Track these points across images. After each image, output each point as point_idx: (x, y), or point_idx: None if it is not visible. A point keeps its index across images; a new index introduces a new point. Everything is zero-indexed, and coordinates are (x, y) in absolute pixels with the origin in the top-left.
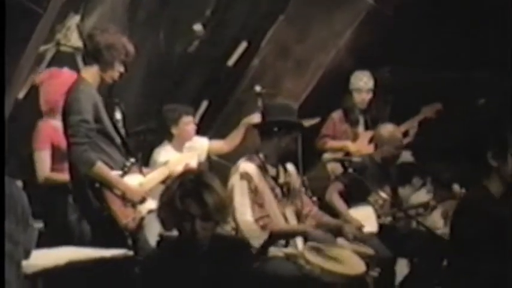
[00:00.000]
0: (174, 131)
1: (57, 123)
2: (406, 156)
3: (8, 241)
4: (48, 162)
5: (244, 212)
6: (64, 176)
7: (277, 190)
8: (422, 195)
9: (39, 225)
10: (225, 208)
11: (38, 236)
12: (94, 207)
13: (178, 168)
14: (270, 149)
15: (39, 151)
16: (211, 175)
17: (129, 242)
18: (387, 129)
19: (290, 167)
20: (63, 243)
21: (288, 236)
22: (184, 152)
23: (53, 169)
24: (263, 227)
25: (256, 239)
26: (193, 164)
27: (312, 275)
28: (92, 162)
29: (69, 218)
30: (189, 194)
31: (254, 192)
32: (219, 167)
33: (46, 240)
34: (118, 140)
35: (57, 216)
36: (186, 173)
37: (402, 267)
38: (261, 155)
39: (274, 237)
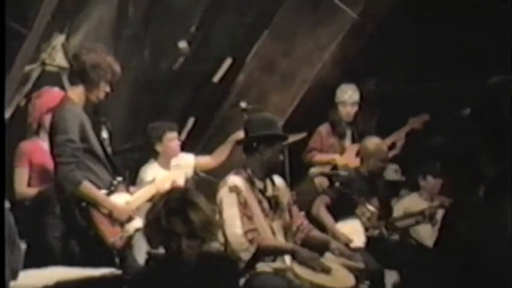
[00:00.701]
0: (158, 148)
1: (42, 142)
2: (391, 174)
3: None
4: (26, 179)
5: (233, 225)
6: (38, 190)
7: (265, 204)
8: (414, 200)
9: (23, 245)
10: (211, 226)
11: (25, 256)
12: (81, 226)
13: (165, 186)
14: (255, 164)
15: (18, 168)
16: (196, 193)
17: (117, 260)
18: (372, 142)
19: (278, 180)
20: (46, 262)
21: (275, 253)
22: (171, 169)
23: (33, 186)
24: (251, 241)
25: (245, 252)
26: (180, 181)
27: None
28: (78, 182)
29: (52, 237)
30: (174, 212)
31: (243, 204)
32: (206, 183)
33: (29, 260)
34: (105, 159)
35: (42, 236)
36: (172, 191)
37: (392, 279)
38: (248, 170)
39: (261, 253)
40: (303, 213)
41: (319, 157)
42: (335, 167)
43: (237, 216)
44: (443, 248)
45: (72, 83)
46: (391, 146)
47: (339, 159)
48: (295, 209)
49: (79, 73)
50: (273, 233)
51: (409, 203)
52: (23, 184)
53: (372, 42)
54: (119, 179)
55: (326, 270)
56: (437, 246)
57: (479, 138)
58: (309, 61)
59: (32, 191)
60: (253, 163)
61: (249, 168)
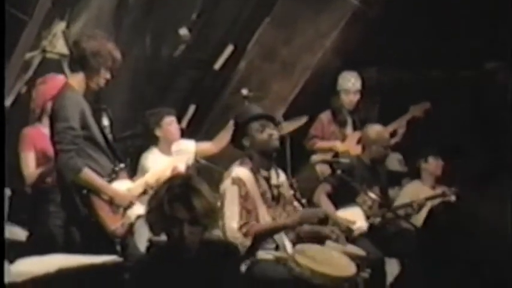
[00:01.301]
0: (158, 133)
1: (44, 128)
2: (395, 164)
3: None
4: (33, 162)
5: (231, 218)
6: (47, 167)
7: (269, 195)
8: (417, 187)
9: (24, 232)
10: (213, 212)
11: (24, 243)
12: (82, 214)
13: (166, 173)
14: (252, 152)
15: (24, 152)
16: (199, 179)
17: (118, 248)
18: (374, 129)
19: (282, 176)
20: (50, 250)
21: (271, 234)
22: (172, 156)
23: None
24: (246, 234)
25: (240, 245)
26: (181, 167)
27: (302, 278)
28: (78, 169)
29: (55, 225)
30: (177, 198)
31: (244, 197)
32: (207, 170)
33: (31, 247)
34: (105, 146)
35: (43, 223)
36: (175, 177)
37: (393, 268)
38: (253, 158)
39: (257, 240)
40: (303, 200)
41: (320, 144)
42: (336, 155)
43: (236, 210)
44: (443, 235)
45: (73, 70)
46: (392, 134)
47: (340, 146)
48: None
49: (79, 60)
50: None
51: (412, 190)
52: (31, 167)
53: (373, 29)
54: (121, 165)
55: (322, 242)
56: (435, 231)
57: (479, 125)
58: (310, 48)
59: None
60: (250, 151)
61: (253, 156)
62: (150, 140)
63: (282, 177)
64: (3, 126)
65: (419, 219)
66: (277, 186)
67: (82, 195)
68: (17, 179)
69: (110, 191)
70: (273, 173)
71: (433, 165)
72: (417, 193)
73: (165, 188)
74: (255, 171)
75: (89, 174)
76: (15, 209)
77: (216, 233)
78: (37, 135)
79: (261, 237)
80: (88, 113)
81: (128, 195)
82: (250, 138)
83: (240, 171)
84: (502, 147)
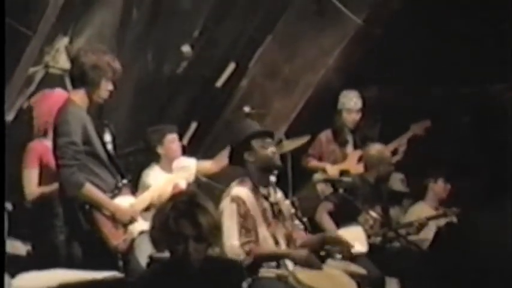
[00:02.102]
0: (159, 150)
1: (48, 142)
2: (397, 184)
3: None
4: (36, 180)
5: (230, 236)
6: (49, 188)
7: (269, 213)
8: (421, 208)
9: (27, 247)
10: (218, 230)
11: (27, 258)
12: (84, 229)
13: (168, 189)
14: (253, 170)
15: (27, 169)
16: (204, 196)
17: (120, 263)
18: (375, 148)
19: (278, 193)
20: (51, 265)
21: (271, 259)
22: (173, 172)
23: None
24: (248, 253)
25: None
26: (182, 185)
27: None
28: (81, 184)
29: (57, 240)
30: (182, 215)
31: (243, 216)
32: (207, 188)
33: (34, 262)
34: (108, 162)
35: (45, 238)
36: (180, 194)
37: (393, 287)
38: (252, 177)
39: (258, 261)
40: (304, 219)
41: (313, 163)
42: (340, 174)
43: (235, 228)
44: (444, 254)
45: (74, 86)
46: (393, 152)
47: (330, 169)
48: (295, 223)
49: (79, 75)
50: (276, 242)
51: (417, 211)
52: (33, 185)
53: (376, 48)
54: (125, 181)
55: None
56: (436, 251)
57: (479, 143)
58: (312, 67)
59: (45, 189)
60: (251, 167)
61: (252, 175)
62: (151, 157)
63: (279, 194)
64: (4, 141)
65: (421, 239)
66: (276, 203)
67: (85, 210)
68: (17, 193)
69: (112, 207)
70: (271, 190)
71: (441, 187)
72: (422, 214)
73: (170, 204)
74: (254, 190)
75: (90, 190)
76: (16, 223)
77: (217, 250)
78: (42, 150)
79: (263, 260)
80: (90, 128)
81: (129, 210)
82: (253, 154)
83: (240, 190)
84: (503, 166)
